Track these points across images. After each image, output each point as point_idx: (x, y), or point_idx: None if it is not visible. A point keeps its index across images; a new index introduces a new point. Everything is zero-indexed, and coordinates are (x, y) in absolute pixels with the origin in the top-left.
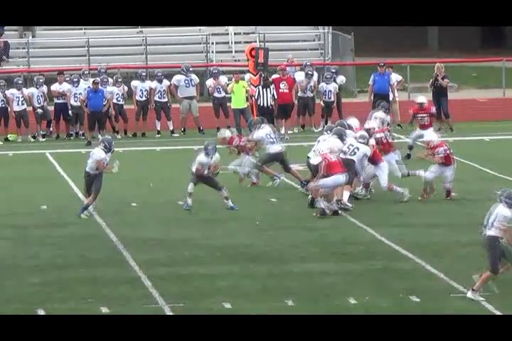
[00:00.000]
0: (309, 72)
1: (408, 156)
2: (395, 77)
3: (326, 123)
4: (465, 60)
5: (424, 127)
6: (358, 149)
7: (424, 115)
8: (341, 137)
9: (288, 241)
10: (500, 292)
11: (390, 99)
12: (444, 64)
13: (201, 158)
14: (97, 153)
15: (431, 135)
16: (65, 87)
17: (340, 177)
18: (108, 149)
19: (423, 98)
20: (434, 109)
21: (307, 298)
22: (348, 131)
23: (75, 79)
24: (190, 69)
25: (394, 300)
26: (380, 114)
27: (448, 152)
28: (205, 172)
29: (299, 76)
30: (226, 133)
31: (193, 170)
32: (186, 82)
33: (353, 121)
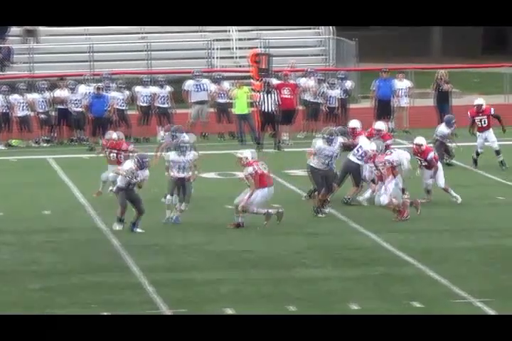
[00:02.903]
0: (319, 78)
1: (475, 162)
2: (406, 84)
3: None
4: (467, 65)
5: (482, 129)
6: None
7: (483, 117)
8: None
9: (289, 247)
10: (503, 297)
11: (394, 105)
12: (447, 70)
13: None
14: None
15: (421, 139)
16: (66, 92)
17: (271, 190)
18: (140, 166)
19: (481, 100)
20: (492, 111)
21: (308, 303)
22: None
23: (73, 86)
24: (203, 74)
25: (395, 306)
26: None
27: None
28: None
29: (310, 81)
30: (113, 135)
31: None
32: (197, 86)
33: (356, 124)
